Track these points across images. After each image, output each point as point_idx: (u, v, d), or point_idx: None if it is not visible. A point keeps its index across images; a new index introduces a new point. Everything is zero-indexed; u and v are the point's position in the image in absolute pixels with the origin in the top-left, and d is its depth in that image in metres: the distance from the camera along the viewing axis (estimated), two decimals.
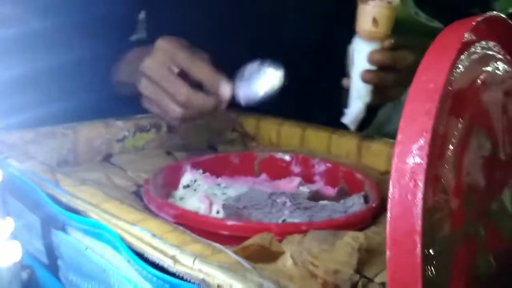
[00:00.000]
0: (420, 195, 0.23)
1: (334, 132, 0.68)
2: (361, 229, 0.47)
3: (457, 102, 0.28)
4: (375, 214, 0.50)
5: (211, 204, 0.52)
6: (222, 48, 0.62)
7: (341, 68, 0.71)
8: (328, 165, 0.63)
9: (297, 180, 0.61)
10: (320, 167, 0.64)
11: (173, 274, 0.30)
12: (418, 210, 0.23)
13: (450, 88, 0.27)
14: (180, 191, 0.59)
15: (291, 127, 0.72)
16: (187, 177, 0.60)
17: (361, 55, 0.59)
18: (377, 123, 0.96)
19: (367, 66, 0.59)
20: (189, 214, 0.45)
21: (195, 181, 0.60)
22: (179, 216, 0.45)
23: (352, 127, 0.62)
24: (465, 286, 0.28)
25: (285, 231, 0.43)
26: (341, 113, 0.66)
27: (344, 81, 0.63)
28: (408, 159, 0.24)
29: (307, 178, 0.64)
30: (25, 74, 0.54)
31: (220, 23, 0.76)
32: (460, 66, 0.29)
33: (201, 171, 0.61)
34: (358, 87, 0.60)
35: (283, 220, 0.49)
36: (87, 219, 0.35)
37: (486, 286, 0.31)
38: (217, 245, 0.32)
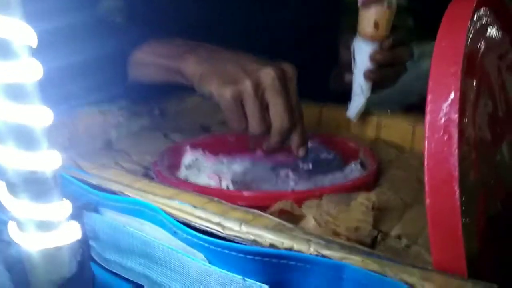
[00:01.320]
0: (455, 146, 0.26)
1: (324, 106, 0.72)
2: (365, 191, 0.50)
3: (470, 65, 0.31)
4: (375, 178, 0.53)
5: (220, 180, 0.54)
6: (213, 35, 0.63)
7: (330, 55, 0.74)
8: (322, 136, 0.66)
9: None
10: (314, 139, 0.67)
11: (222, 239, 0.32)
12: (454, 159, 0.26)
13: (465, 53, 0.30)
14: (183, 172, 0.61)
15: None
16: (188, 157, 0.62)
17: (362, 54, 0.64)
18: None
19: (368, 64, 0.63)
20: (206, 189, 0.47)
21: (196, 159, 0.62)
22: (197, 191, 0.47)
23: (355, 120, 0.67)
24: (484, 227, 0.32)
25: (300, 197, 0.45)
26: (328, 95, 0.70)
27: (346, 77, 0.67)
28: (439, 116, 0.27)
29: None
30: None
31: (211, 10, 0.77)
32: (468, 33, 0.32)
33: (201, 150, 0.63)
34: (361, 84, 0.64)
35: (292, 190, 0.52)
36: (127, 197, 0.37)
37: (494, 225, 0.36)
38: (256, 211, 0.35)
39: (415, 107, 1.07)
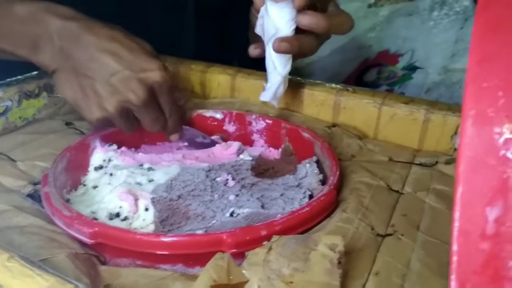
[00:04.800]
0: None
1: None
2: (327, 214, 0.39)
3: None
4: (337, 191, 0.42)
5: (136, 200, 0.41)
6: None
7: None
8: (268, 121, 0.53)
9: (236, 145, 0.51)
10: (259, 125, 0.54)
11: None
12: None
13: None
14: (91, 175, 0.47)
15: (218, 75, 0.61)
16: (97, 155, 0.48)
17: (271, 20, 0.48)
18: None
19: (281, 31, 0.48)
20: (111, 232, 0.34)
21: (109, 160, 0.48)
22: (97, 234, 0.34)
23: (275, 103, 0.53)
24: None
25: (241, 241, 0.33)
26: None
27: (252, 49, 0.53)
28: None
29: (244, 138, 0.54)
30: None
31: None
32: None
33: (115, 146, 0.49)
34: (273, 58, 0.49)
35: (232, 213, 0.39)
36: None
37: None
38: None
39: (372, 65, 0.95)
